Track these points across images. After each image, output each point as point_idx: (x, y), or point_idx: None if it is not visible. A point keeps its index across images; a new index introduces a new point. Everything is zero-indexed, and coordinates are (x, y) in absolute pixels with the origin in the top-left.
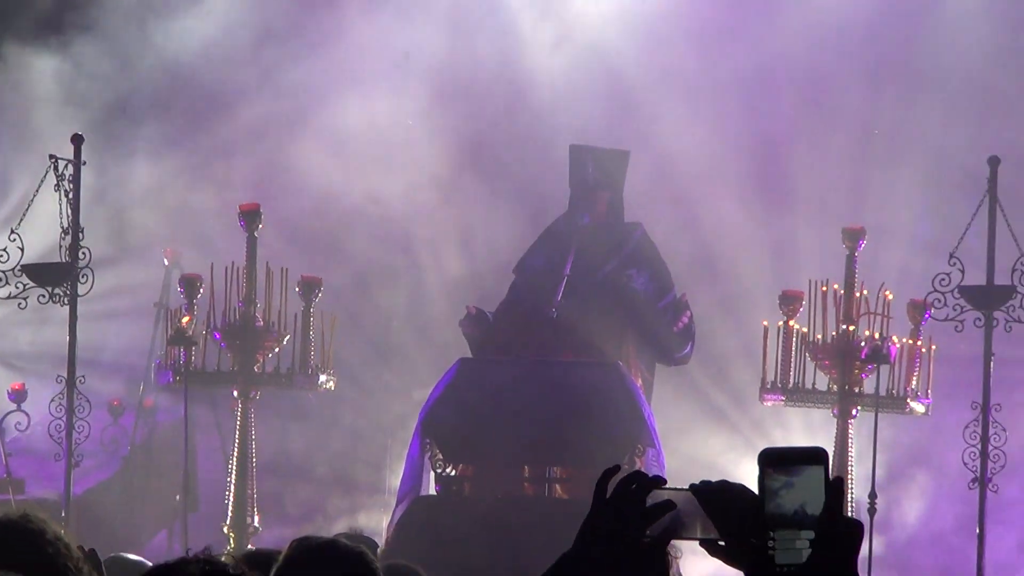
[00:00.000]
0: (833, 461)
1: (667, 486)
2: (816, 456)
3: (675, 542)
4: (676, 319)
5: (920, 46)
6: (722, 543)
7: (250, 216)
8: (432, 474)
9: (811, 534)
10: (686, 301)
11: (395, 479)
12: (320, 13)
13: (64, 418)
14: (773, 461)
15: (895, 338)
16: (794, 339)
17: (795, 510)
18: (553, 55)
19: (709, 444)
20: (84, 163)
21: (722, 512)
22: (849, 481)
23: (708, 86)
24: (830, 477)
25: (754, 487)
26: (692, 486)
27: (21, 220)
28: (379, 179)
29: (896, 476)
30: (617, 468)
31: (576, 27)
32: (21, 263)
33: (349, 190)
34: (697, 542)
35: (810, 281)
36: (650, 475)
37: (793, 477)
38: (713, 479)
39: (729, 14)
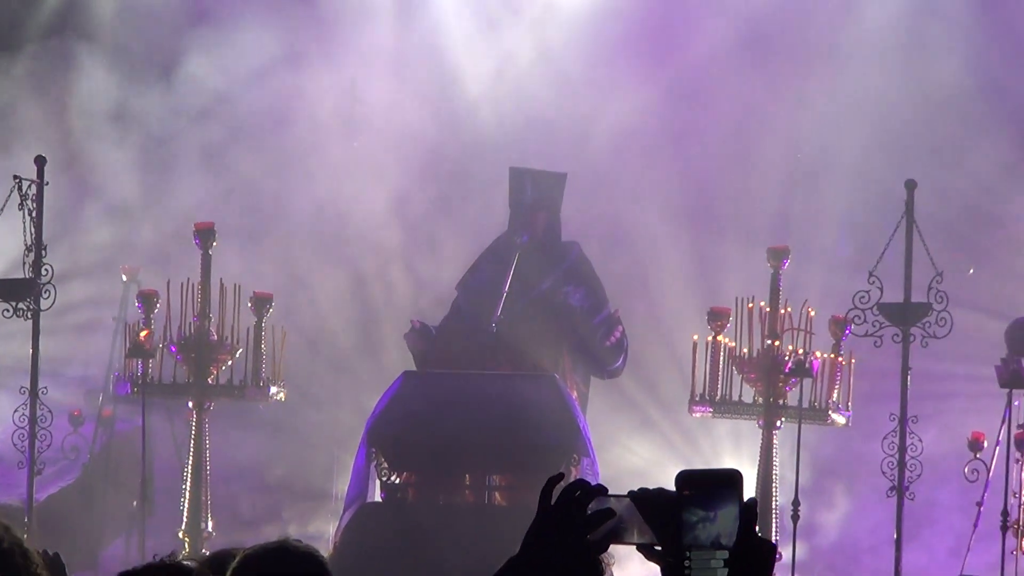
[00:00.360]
0: (758, 470)
1: (615, 496)
2: (731, 480)
3: (612, 547)
4: (608, 334)
5: (841, 77)
6: (658, 548)
7: (204, 234)
8: (378, 481)
9: (725, 554)
10: (618, 317)
11: (343, 486)
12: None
13: (27, 427)
14: (690, 484)
15: (817, 353)
16: (722, 353)
17: (712, 540)
18: (494, 84)
19: (641, 453)
20: (47, 183)
21: (659, 518)
22: (773, 489)
23: (640, 114)
24: (744, 498)
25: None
26: (631, 493)
27: None
28: (331, 200)
29: (819, 484)
30: (561, 476)
31: (512, 59)
32: None
33: (301, 209)
34: (635, 547)
35: (737, 298)
36: (597, 487)
37: (710, 511)
38: (646, 487)
39: (658, 44)
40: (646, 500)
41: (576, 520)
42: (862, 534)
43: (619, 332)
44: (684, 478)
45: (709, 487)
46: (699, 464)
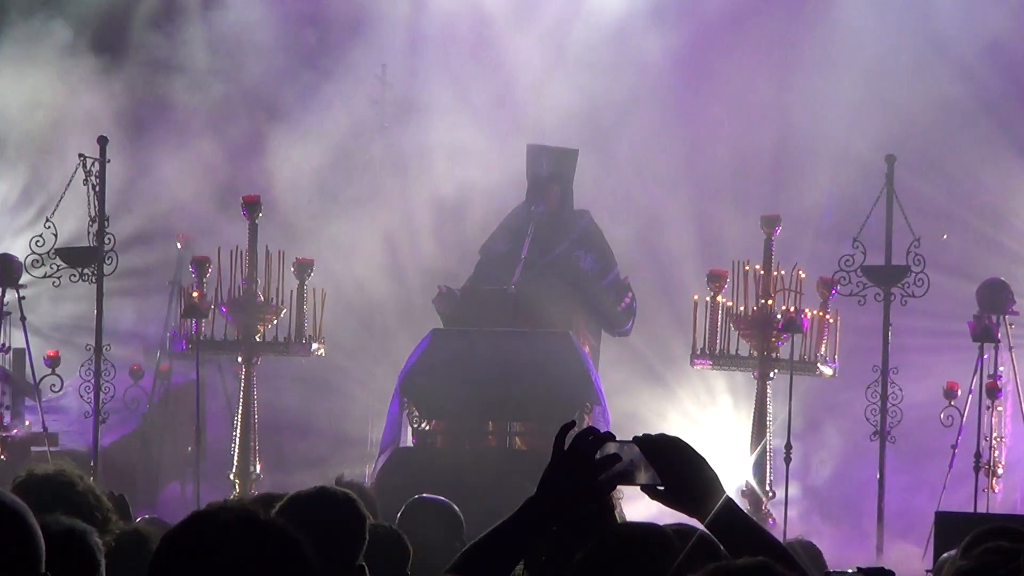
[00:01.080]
0: (754, 417)
1: (621, 441)
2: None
3: (620, 488)
4: (619, 299)
5: (826, 58)
6: (661, 488)
7: (251, 206)
8: (409, 429)
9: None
10: (628, 283)
11: (377, 433)
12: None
13: (92, 381)
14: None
15: (807, 311)
16: (720, 312)
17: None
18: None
19: (647, 403)
20: (109, 161)
21: (663, 461)
22: (768, 434)
23: (643, 94)
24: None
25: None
26: (636, 439)
27: (55, 210)
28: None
29: (808, 428)
30: (573, 424)
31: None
32: (55, 247)
33: (340, 186)
34: (639, 487)
35: (733, 262)
36: (600, 430)
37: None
38: (650, 433)
39: (665, 41)
40: (650, 444)
41: (586, 463)
42: (852, 473)
43: (629, 298)
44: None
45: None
46: (699, 412)
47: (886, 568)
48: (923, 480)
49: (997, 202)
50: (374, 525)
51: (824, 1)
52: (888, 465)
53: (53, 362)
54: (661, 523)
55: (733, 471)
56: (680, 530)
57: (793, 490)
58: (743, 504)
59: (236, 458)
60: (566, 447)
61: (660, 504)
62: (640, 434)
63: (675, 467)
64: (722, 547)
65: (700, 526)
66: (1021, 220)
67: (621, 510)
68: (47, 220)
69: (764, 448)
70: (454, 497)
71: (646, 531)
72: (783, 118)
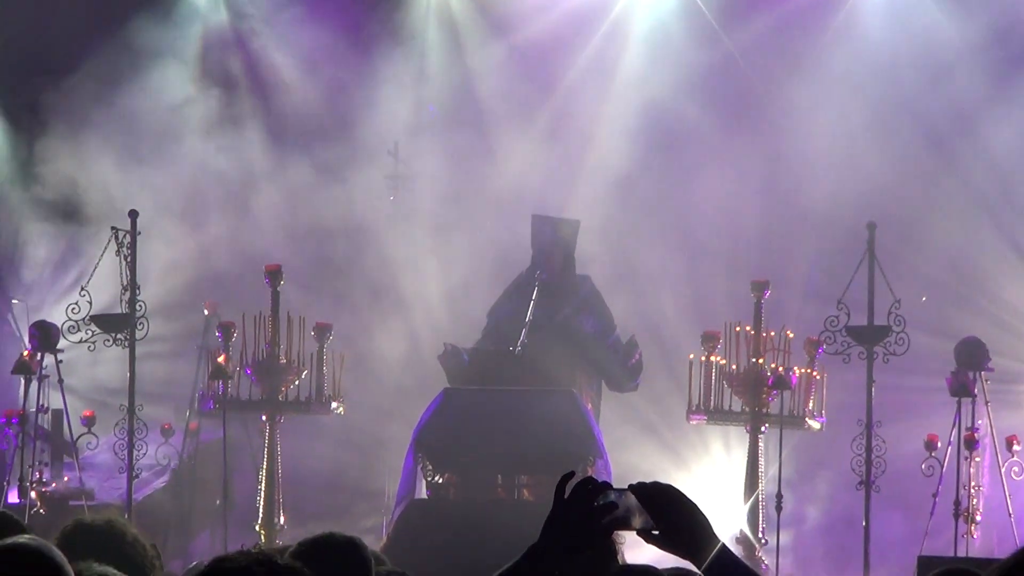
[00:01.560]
0: (747, 469)
1: (618, 490)
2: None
3: (620, 532)
4: (629, 357)
5: (809, 129)
6: (655, 532)
7: (274, 275)
8: (424, 481)
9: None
10: (636, 342)
11: (393, 486)
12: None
13: (126, 439)
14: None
15: (795, 369)
16: (714, 370)
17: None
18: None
19: (646, 456)
20: (139, 233)
21: (657, 507)
22: (760, 484)
23: (638, 167)
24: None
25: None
26: (631, 486)
27: (89, 279)
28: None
29: (799, 480)
30: (572, 474)
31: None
32: (90, 314)
33: (360, 256)
34: (635, 532)
35: (726, 323)
36: (599, 480)
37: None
38: (644, 482)
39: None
40: (644, 491)
41: (585, 510)
42: (838, 520)
43: (638, 355)
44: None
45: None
46: (695, 464)
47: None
48: (906, 527)
49: (972, 265)
50: (385, 572)
51: (805, 75)
52: (873, 513)
53: (89, 421)
54: (661, 566)
55: (728, 519)
56: (677, 574)
57: (785, 537)
58: (737, 551)
59: (261, 510)
60: (566, 496)
61: (662, 551)
62: (635, 483)
63: (668, 512)
64: None
65: (696, 571)
66: (994, 282)
67: (623, 555)
68: (82, 289)
69: (756, 498)
70: (465, 546)
71: (643, 573)
72: (770, 188)
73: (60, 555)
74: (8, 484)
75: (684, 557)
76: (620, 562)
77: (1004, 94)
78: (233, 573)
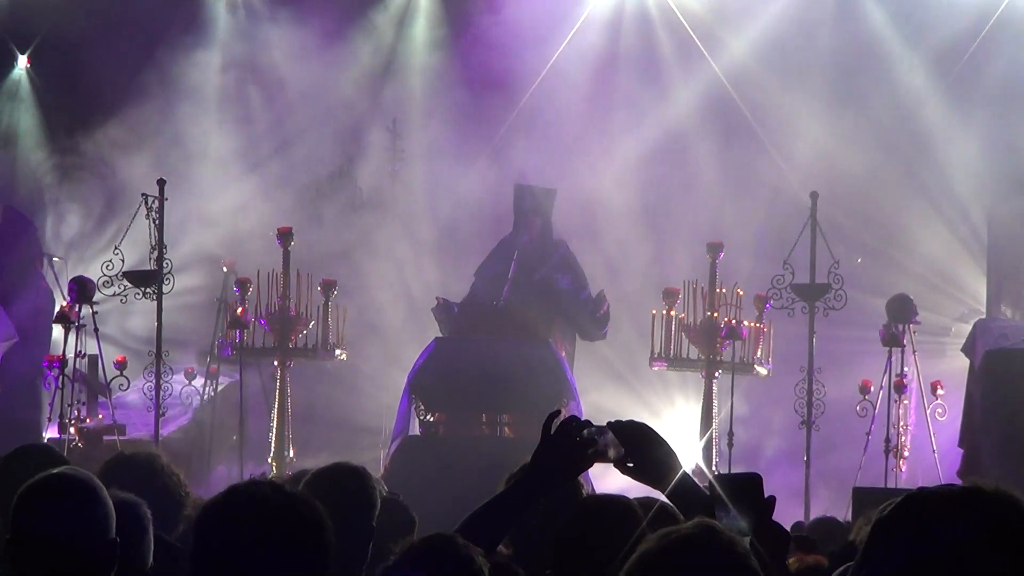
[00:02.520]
0: (702, 409)
1: (596, 426)
2: (754, 484)
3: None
4: (598, 308)
5: (762, 110)
6: (630, 464)
7: (285, 236)
8: (416, 420)
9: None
10: (604, 296)
11: (390, 424)
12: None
13: (154, 381)
14: (721, 484)
15: (745, 321)
16: (673, 323)
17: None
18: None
19: (614, 397)
20: (166, 199)
21: (630, 442)
22: (714, 423)
23: (612, 146)
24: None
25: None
26: (609, 423)
27: (122, 240)
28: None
29: (748, 419)
30: (558, 412)
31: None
32: (122, 271)
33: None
34: (612, 464)
35: (684, 281)
36: (582, 421)
37: (735, 512)
38: (620, 419)
39: (626, 96)
40: (620, 428)
41: (570, 444)
42: (782, 455)
43: (606, 307)
44: (721, 478)
45: (735, 490)
46: (657, 405)
47: (752, 472)
48: (843, 462)
49: (902, 232)
50: (384, 497)
51: (763, 63)
52: (814, 449)
53: (121, 366)
54: (630, 495)
55: (685, 455)
56: (644, 502)
57: (735, 470)
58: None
59: (273, 445)
60: (552, 432)
61: (631, 480)
62: (611, 420)
63: (641, 447)
64: (680, 514)
65: (662, 497)
66: (921, 246)
67: (590, 486)
68: (116, 248)
69: (710, 435)
70: (453, 476)
71: (615, 501)
72: (725, 162)
73: (97, 482)
74: (50, 421)
75: (651, 485)
76: (584, 493)
77: (936, 84)
78: (254, 500)
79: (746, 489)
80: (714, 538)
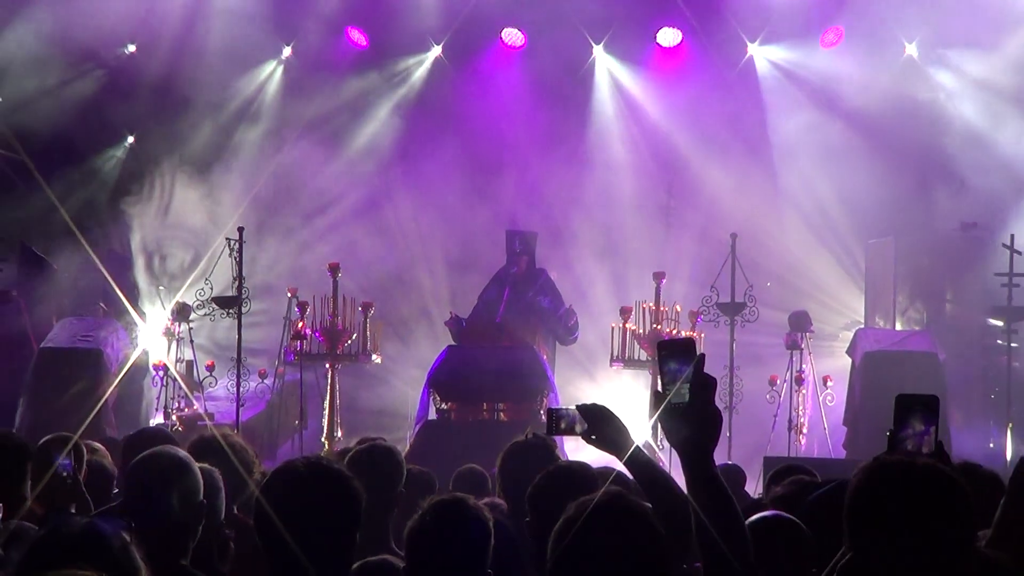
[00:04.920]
0: (649, 399)
1: (568, 409)
2: (690, 345)
3: (567, 437)
4: (569, 320)
5: (694, 170)
6: (593, 436)
7: (334, 269)
8: (434, 408)
9: (687, 385)
10: (573, 311)
11: (413, 411)
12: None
13: (235, 380)
14: (667, 347)
15: (683, 331)
16: (627, 333)
17: (679, 373)
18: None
19: (582, 389)
20: (244, 242)
21: (593, 419)
22: (659, 409)
23: (579, 199)
24: (697, 354)
25: (609, 408)
26: (577, 406)
27: (211, 272)
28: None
29: None
30: (553, 409)
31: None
32: (211, 296)
33: (390, 257)
34: (580, 436)
35: (636, 301)
36: (556, 406)
37: (679, 362)
38: (585, 403)
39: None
40: (585, 409)
41: (551, 423)
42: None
43: (575, 320)
44: (662, 344)
45: (677, 349)
46: (615, 394)
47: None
48: (756, 437)
49: (799, 263)
50: (410, 468)
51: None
52: (735, 428)
53: (210, 369)
54: (595, 465)
55: (637, 432)
56: (603, 472)
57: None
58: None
59: (325, 428)
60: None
61: (593, 448)
62: (578, 404)
63: (600, 423)
64: (633, 479)
65: (619, 466)
66: (813, 273)
67: (565, 454)
68: (206, 279)
69: (656, 418)
70: (461, 450)
71: (575, 467)
72: (668, 211)
73: (189, 458)
74: (156, 411)
75: (611, 454)
76: (557, 458)
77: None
78: (298, 470)
79: (684, 348)
80: (618, 502)
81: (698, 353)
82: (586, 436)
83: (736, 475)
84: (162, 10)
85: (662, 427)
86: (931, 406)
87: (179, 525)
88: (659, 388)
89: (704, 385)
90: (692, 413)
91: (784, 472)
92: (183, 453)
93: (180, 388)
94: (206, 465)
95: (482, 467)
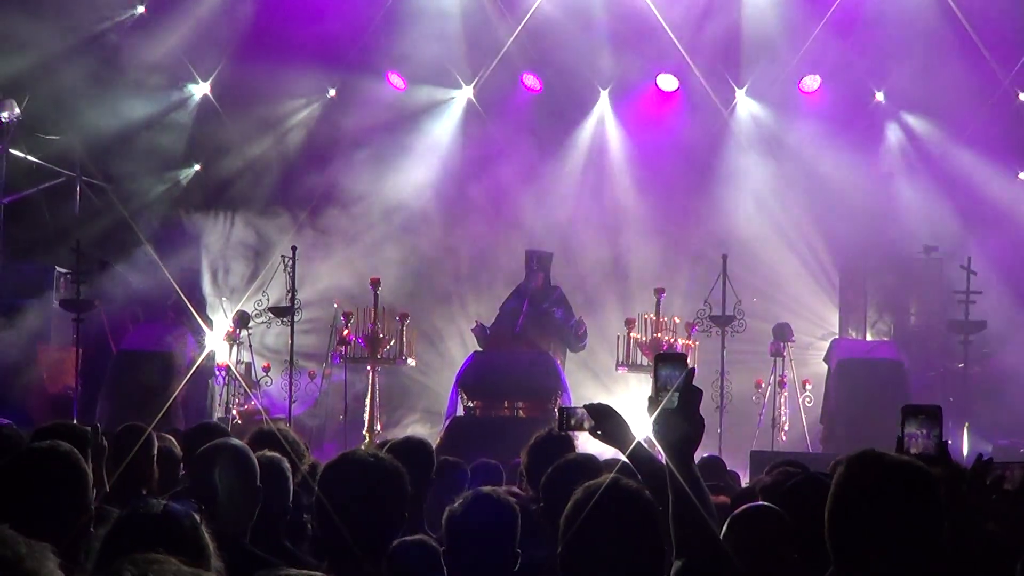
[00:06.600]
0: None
1: (577, 408)
2: (682, 359)
3: (577, 432)
4: (578, 329)
5: (690, 196)
6: (599, 432)
7: (375, 283)
8: (462, 406)
9: (677, 393)
10: (583, 322)
11: (444, 408)
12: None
13: (288, 380)
14: (663, 358)
15: (680, 340)
16: (631, 341)
17: (671, 381)
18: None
19: (592, 390)
20: (297, 259)
21: (600, 417)
22: (658, 408)
23: (589, 224)
24: (687, 367)
25: (614, 407)
26: (585, 405)
27: (267, 286)
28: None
29: None
30: (564, 408)
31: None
32: (268, 306)
33: (424, 273)
34: (588, 432)
35: (639, 313)
36: (568, 406)
37: (674, 370)
38: (592, 403)
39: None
40: (592, 408)
41: (563, 419)
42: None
43: (583, 330)
44: (659, 355)
45: (672, 359)
46: (620, 395)
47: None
48: (743, 433)
49: (783, 280)
50: (441, 458)
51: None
52: (725, 425)
53: (267, 370)
54: (602, 457)
55: (639, 428)
56: (610, 462)
57: None
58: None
59: (367, 422)
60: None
61: (599, 442)
62: (586, 403)
63: (605, 420)
64: (636, 470)
65: (623, 457)
66: (795, 290)
67: (580, 446)
68: (263, 291)
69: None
70: (485, 444)
71: (583, 458)
72: (667, 235)
73: (247, 448)
74: (219, 406)
75: (615, 448)
76: (575, 451)
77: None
78: (350, 460)
79: (678, 360)
80: (620, 485)
81: (689, 366)
82: (593, 432)
83: (717, 464)
84: None
85: (652, 428)
86: (933, 415)
87: (238, 507)
88: (652, 394)
89: (692, 394)
90: (680, 418)
91: (780, 467)
92: (241, 443)
93: (240, 387)
94: (276, 454)
95: (501, 458)
